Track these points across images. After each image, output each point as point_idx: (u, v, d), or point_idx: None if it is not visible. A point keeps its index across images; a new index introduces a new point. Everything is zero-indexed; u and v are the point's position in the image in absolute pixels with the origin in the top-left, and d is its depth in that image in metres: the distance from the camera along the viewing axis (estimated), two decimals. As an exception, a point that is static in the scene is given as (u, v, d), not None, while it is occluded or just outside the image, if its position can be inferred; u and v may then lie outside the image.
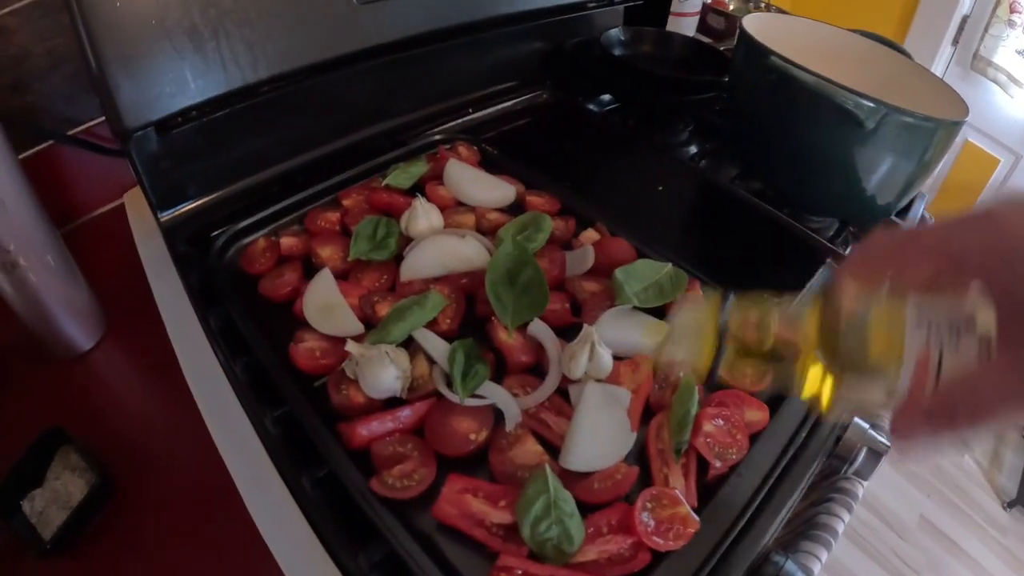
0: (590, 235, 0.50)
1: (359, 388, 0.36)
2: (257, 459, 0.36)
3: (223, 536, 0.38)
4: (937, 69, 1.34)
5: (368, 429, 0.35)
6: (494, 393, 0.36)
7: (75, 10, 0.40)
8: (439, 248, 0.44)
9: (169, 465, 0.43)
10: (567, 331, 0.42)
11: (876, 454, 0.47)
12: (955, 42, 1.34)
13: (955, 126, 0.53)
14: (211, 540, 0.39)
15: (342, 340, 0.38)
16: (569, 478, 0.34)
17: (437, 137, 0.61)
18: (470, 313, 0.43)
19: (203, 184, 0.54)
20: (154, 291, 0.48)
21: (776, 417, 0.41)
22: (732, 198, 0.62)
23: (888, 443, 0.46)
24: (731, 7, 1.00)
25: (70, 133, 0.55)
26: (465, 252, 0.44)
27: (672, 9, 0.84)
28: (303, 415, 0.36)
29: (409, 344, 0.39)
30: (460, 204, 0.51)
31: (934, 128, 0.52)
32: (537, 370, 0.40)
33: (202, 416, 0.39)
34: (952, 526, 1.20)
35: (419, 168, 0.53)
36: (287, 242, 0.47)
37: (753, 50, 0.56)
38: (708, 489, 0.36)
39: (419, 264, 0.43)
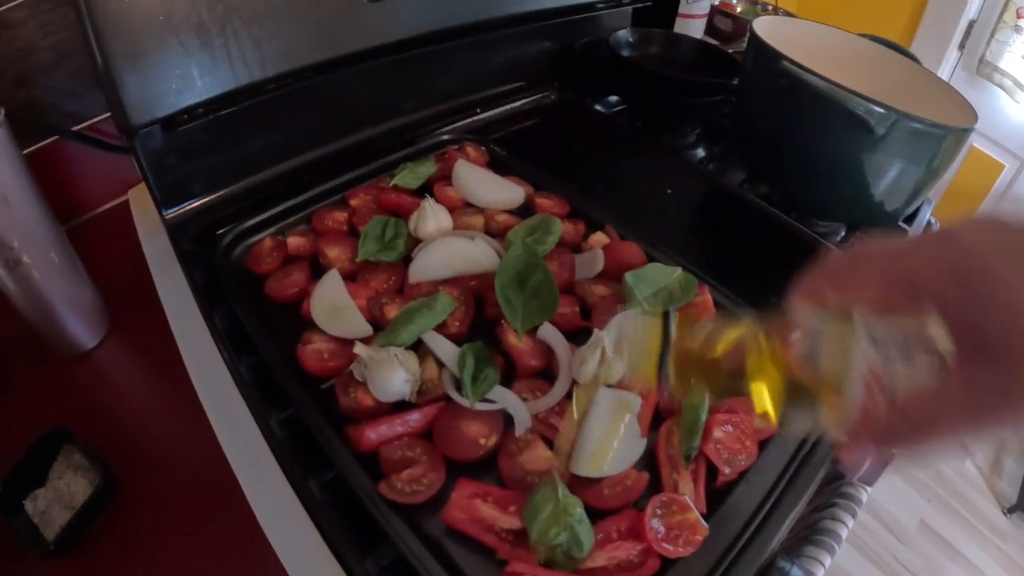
0: (599, 238, 0.49)
1: (367, 391, 0.36)
2: (263, 461, 0.36)
3: (228, 537, 0.38)
4: (943, 73, 1.34)
5: (377, 433, 0.34)
6: (504, 397, 0.36)
7: (82, 5, 0.40)
8: (448, 250, 0.43)
9: (173, 465, 0.43)
10: (576, 335, 0.41)
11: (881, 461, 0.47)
12: (961, 47, 1.33)
13: (964, 133, 0.53)
14: (215, 541, 0.39)
15: (350, 342, 0.38)
16: (578, 484, 0.34)
17: (445, 137, 0.61)
18: (479, 316, 0.43)
19: (208, 181, 0.53)
20: (158, 289, 0.47)
21: (785, 424, 0.40)
22: (740, 202, 0.62)
23: (893, 450, 0.46)
24: (738, 9, 0.99)
25: (75, 129, 0.55)
26: (474, 254, 0.43)
27: (680, 11, 0.84)
28: (310, 417, 0.36)
29: (418, 347, 0.39)
30: (469, 205, 0.51)
31: (943, 135, 0.52)
32: (546, 374, 0.40)
33: (206, 416, 0.38)
34: (952, 531, 1.20)
35: (427, 168, 0.53)
36: (294, 242, 0.47)
37: (764, 54, 0.56)
38: (717, 495, 0.36)
39: (428, 266, 0.43)
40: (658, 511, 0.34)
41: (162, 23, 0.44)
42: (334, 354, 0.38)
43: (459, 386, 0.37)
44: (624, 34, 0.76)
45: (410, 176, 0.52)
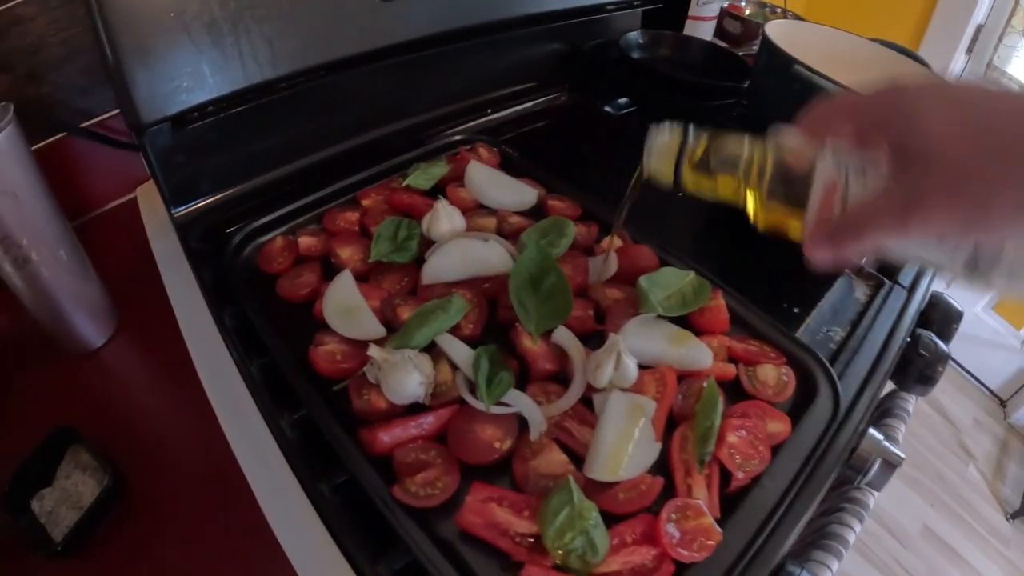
0: (613, 242, 0.49)
1: (381, 393, 0.36)
2: (274, 462, 0.35)
3: (237, 539, 0.38)
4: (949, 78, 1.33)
5: (390, 435, 0.34)
6: (519, 401, 0.36)
7: (92, 0, 0.39)
8: (462, 251, 0.43)
9: (182, 465, 0.42)
10: (590, 338, 0.41)
11: (889, 466, 0.47)
12: (969, 51, 1.33)
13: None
14: (225, 542, 0.38)
15: (362, 343, 0.38)
16: (593, 488, 0.34)
17: (457, 138, 0.61)
18: (491, 318, 0.43)
19: (218, 180, 0.53)
20: (167, 288, 0.47)
21: (797, 429, 0.40)
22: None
23: (902, 455, 0.46)
24: (747, 12, 0.99)
25: (83, 125, 0.54)
26: (488, 256, 0.43)
27: (690, 13, 0.83)
28: (322, 419, 0.36)
29: (431, 349, 0.38)
30: (481, 207, 0.51)
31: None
32: (560, 378, 0.40)
33: (216, 416, 0.38)
34: (954, 536, 1.20)
35: (439, 169, 0.53)
36: (305, 242, 0.47)
37: (777, 58, 0.56)
38: (730, 500, 0.36)
39: (441, 267, 0.43)
40: (673, 516, 0.34)
41: (173, 20, 0.44)
42: (347, 356, 0.38)
43: (473, 389, 0.36)
44: (634, 36, 0.76)
45: (422, 177, 0.51)
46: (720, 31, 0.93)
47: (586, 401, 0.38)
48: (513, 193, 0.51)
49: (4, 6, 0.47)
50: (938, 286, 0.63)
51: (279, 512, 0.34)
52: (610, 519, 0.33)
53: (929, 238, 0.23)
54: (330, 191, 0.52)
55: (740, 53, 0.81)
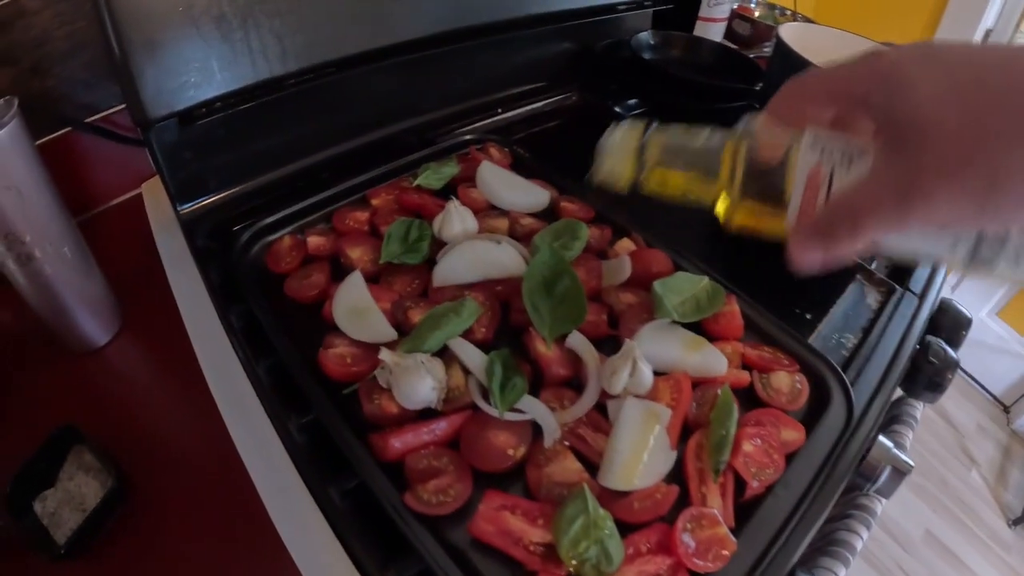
0: (626, 245, 0.48)
1: (392, 398, 0.35)
2: (281, 466, 0.35)
3: (243, 542, 0.37)
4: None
5: (402, 441, 0.33)
6: (533, 408, 0.35)
7: (99, -7, 0.38)
8: (474, 253, 0.42)
9: (187, 466, 0.42)
10: (603, 343, 0.41)
11: (899, 473, 0.47)
12: (976, 56, 1.33)
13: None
14: (230, 545, 0.38)
15: (373, 346, 0.37)
16: (608, 496, 0.33)
17: (467, 137, 0.60)
18: (504, 321, 0.42)
19: (225, 177, 0.52)
20: (172, 286, 0.46)
21: (811, 437, 0.40)
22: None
23: (912, 463, 0.46)
24: (756, 14, 0.98)
25: (88, 120, 0.54)
26: (501, 258, 0.42)
27: (700, 14, 0.83)
28: (331, 423, 0.35)
29: (443, 353, 0.38)
30: (493, 208, 0.50)
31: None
32: (573, 383, 0.39)
33: (222, 417, 0.38)
34: (957, 541, 1.20)
35: (450, 169, 0.52)
36: (314, 241, 0.46)
37: (791, 62, 0.55)
38: (744, 509, 0.36)
39: (453, 269, 0.42)
40: (688, 525, 0.33)
41: (182, 13, 0.43)
42: (357, 359, 0.37)
43: (486, 394, 0.36)
44: (645, 36, 0.75)
45: (433, 176, 0.51)
46: (730, 32, 0.93)
47: (600, 407, 0.37)
48: (525, 194, 0.51)
49: (9, -2, 0.46)
50: (947, 292, 0.62)
51: (286, 516, 0.33)
52: (624, 528, 0.32)
53: (935, 227, 0.20)
54: (339, 190, 0.51)
55: (750, 55, 0.80)
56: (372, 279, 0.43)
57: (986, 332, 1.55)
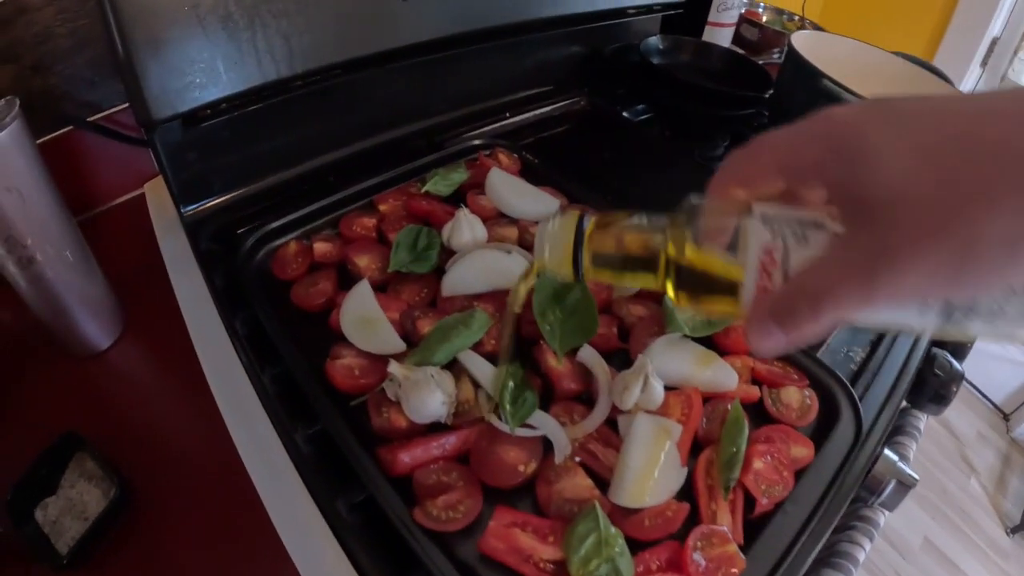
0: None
1: (401, 411, 0.35)
2: (287, 477, 0.34)
3: (247, 555, 0.37)
4: (965, 90, 1.33)
5: (411, 456, 0.33)
6: (544, 423, 0.35)
7: (103, -10, 0.38)
8: (484, 263, 0.42)
9: (191, 473, 0.41)
10: (612, 356, 0.40)
11: (904, 486, 0.47)
12: (984, 64, 1.32)
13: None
14: (235, 556, 0.37)
15: (381, 357, 0.37)
16: (618, 513, 0.33)
17: (476, 142, 0.59)
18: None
19: (230, 179, 0.52)
20: (175, 290, 0.46)
21: (820, 454, 0.40)
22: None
23: (916, 476, 0.45)
24: (764, 19, 0.98)
25: (91, 119, 0.53)
26: (511, 268, 0.42)
27: (709, 19, 0.82)
28: (339, 435, 0.35)
29: (452, 365, 0.37)
30: (502, 215, 0.50)
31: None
32: (583, 397, 0.39)
33: (226, 426, 0.37)
34: (955, 549, 1.21)
35: (459, 175, 0.51)
36: (320, 248, 0.45)
37: (803, 70, 0.55)
38: (752, 526, 0.35)
39: (462, 279, 0.41)
40: (699, 544, 0.33)
41: (188, 12, 0.42)
42: (365, 371, 0.37)
43: (496, 408, 0.35)
44: (655, 41, 0.75)
45: (441, 183, 0.50)
46: (738, 37, 0.92)
47: (610, 422, 0.37)
48: (535, 202, 0.50)
49: (11, -6, 0.45)
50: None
51: (292, 529, 0.33)
52: (635, 545, 0.32)
53: (904, 303, 0.18)
54: (346, 195, 0.51)
55: (759, 61, 0.79)
56: (380, 288, 0.42)
57: (986, 340, 1.55)
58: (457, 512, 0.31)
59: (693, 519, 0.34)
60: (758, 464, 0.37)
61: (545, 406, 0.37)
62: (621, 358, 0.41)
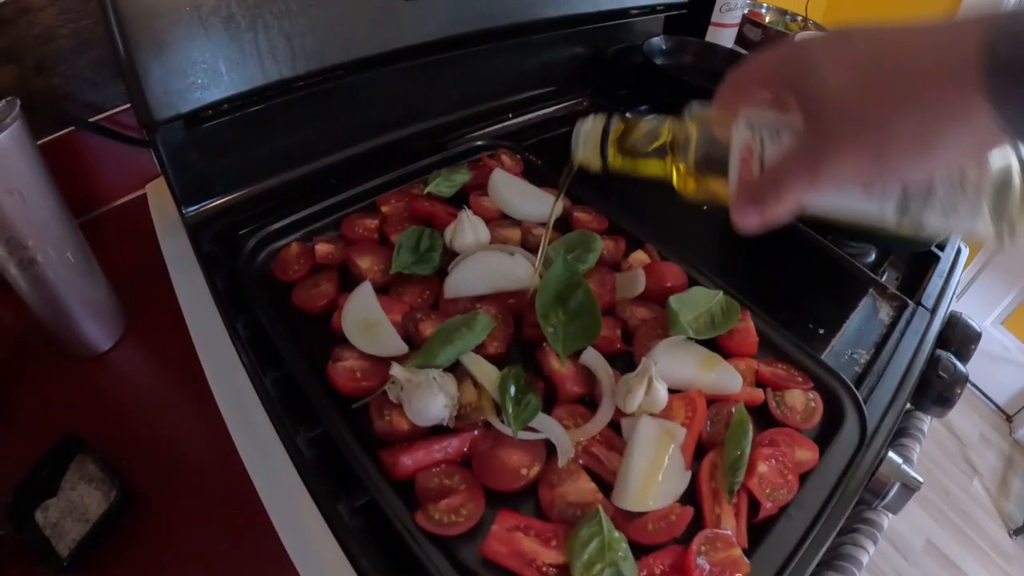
0: (640, 257, 0.48)
1: (403, 414, 0.34)
2: (289, 480, 0.34)
3: (249, 558, 0.37)
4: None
5: (413, 459, 0.33)
6: (548, 427, 0.34)
7: (105, -10, 0.37)
8: (486, 265, 0.41)
9: (192, 476, 0.41)
10: (615, 359, 0.40)
11: (908, 489, 0.47)
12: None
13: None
14: (236, 561, 0.37)
15: (383, 360, 0.36)
16: (622, 517, 0.33)
17: (479, 143, 0.59)
18: (516, 335, 0.41)
19: (232, 180, 0.51)
20: (177, 292, 0.45)
21: (825, 457, 0.39)
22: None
23: (921, 479, 0.45)
24: (767, 19, 0.97)
25: (93, 120, 0.53)
26: (514, 270, 0.42)
27: (712, 20, 0.82)
28: (340, 438, 0.35)
29: (455, 368, 0.37)
30: (505, 217, 0.49)
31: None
32: (586, 400, 0.39)
33: (228, 428, 0.37)
34: (957, 551, 1.20)
35: (462, 176, 0.51)
36: (322, 249, 0.45)
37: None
38: (756, 530, 0.35)
39: (465, 281, 0.41)
40: (703, 548, 0.33)
41: (189, 13, 0.42)
42: (367, 373, 0.37)
43: (499, 411, 0.35)
44: (658, 41, 0.74)
45: (444, 184, 0.50)
46: (741, 38, 0.92)
47: (613, 425, 0.37)
48: (538, 204, 0.50)
49: (13, -6, 0.45)
50: (956, 305, 0.62)
51: (293, 532, 0.33)
52: (638, 550, 0.32)
53: (846, 187, 0.23)
54: (348, 195, 0.51)
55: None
56: (382, 289, 0.42)
57: (990, 341, 1.54)
58: (459, 516, 0.31)
59: (697, 523, 0.34)
60: (762, 468, 0.36)
61: (548, 409, 0.37)
62: (624, 360, 0.41)
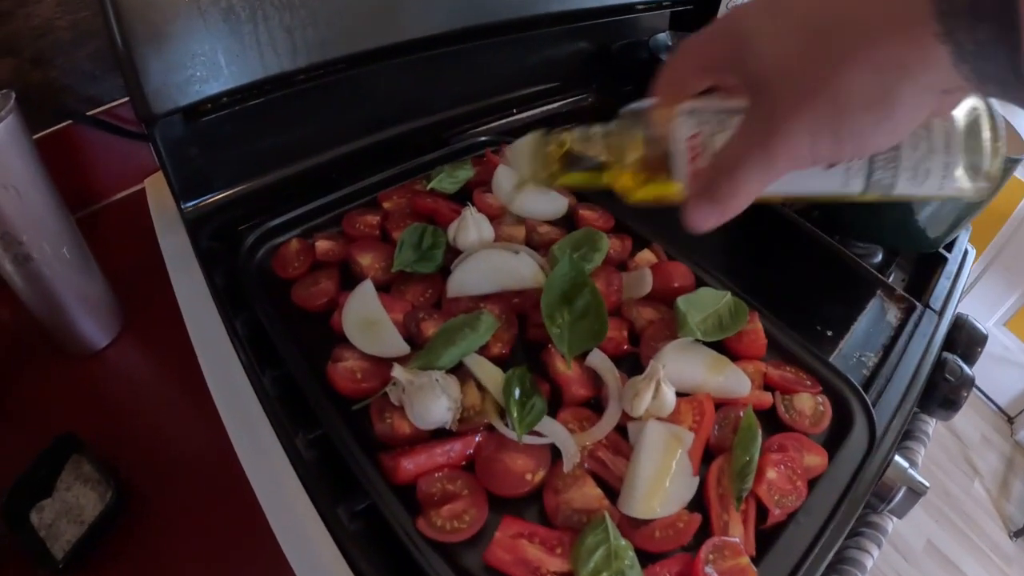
0: (647, 256, 0.47)
1: (404, 416, 0.34)
2: (288, 483, 0.33)
3: (247, 561, 0.36)
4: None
5: (415, 463, 0.32)
6: (553, 431, 0.34)
7: (102, -18, 0.37)
8: (490, 263, 0.41)
9: (189, 476, 0.40)
10: (622, 360, 0.39)
11: (914, 494, 0.46)
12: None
13: (1014, 163, 0.51)
14: (233, 564, 0.36)
15: (384, 360, 0.36)
16: (628, 524, 0.32)
17: (483, 139, 0.58)
18: (520, 335, 0.40)
19: (231, 175, 0.51)
20: (175, 288, 0.45)
21: (834, 462, 0.39)
22: (784, 221, 0.60)
23: (927, 484, 0.45)
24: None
25: (91, 113, 0.52)
26: (519, 269, 0.41)
27: (719, 15, 0.81)
28: (340, 441, 0.34)
29: (458, 369, 0.36)
30: (509, 214, 0.48)
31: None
32: (592, 403, 0.38)
33: (226, 429, 0.36)
34: (958, 552, 1.20)
35: (465, 172, 0.50)
36: (323, 246, 0.44)
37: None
38: (764, 536, 0.35)
39: (468, 280, 0.40)
40: (711, 556, 0.32)
41: (188, 5, 0.41)
42: (367, 374, 0.36)
43: (503, 414, 0.34)
44: (664, 37, 0.73)
45: (447, 180, 0.49)
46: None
47: (620, 429, 0.36)
48: (544, 201, 0.49)
49: (9, -15, 0.44)
50: (959, 306, 0.61)
51: (292, 535, 0.32)
52: (645, 557, 0.31)
53: (806, 165, 0.21)
54: (349, 191, 0.50)
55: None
56: (383, 287, 0.41)
57: (993, 343, 1.53)
58: (462, 522, 0.31)
59: (704, 530, 0.33)
60: (771, 474, 0.36)
61: (553, 411, 0.36)
62: (631, 362, 0.40)
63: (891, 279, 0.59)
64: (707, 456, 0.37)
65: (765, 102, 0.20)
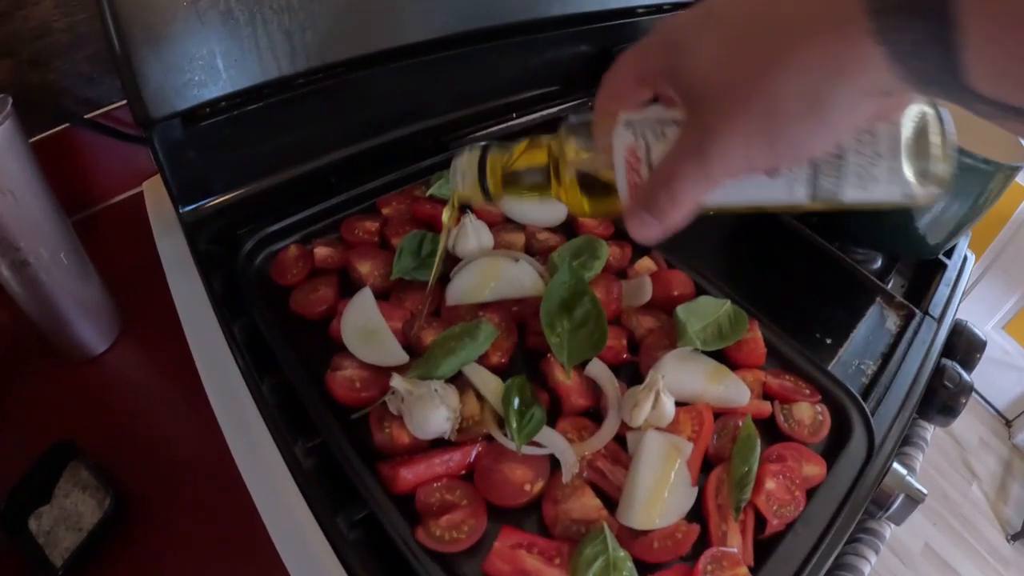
0: (646, 264, 0.47)
1: (403, 426, 0.34)
2: (287, 491, 0.33)
3: (245, 569, 0.36)
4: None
5: (413, 473, 0.32)
6: (552, 442, 0.34)
7: (99, -16, 0.36)
8: (490, 271, 0.40)
9: (188, 482, 0.40)
10: (621, 369, 0.39)
11: (912, 501, 0.46)
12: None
13: (1014, 170, 0.51)
14: (232, 572, 0.36)
15: (383, 369, 0.36)
16: (627, 535, 0.32)
17: (483, 143, 0.58)
18: (520, 343, 0.40)
19: (230, 179, 0.50)
20: (173, 293, 0.44)
21: (832, 472, 0.39)
22: (785, 230, 0.60)
23: (925, 491, 0.45)
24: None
25: (89, 116, 0.51)
26: (519, 277, 0.41)
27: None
28: (339, 450, 0.34)
29: (457, 378, 0.36)
30: (508, 221, 0.48)
31: (992, 171, 0.50)
32: (591, 412, 0.38)
33: (224, 436, 0.36)
34: (955, 556, 1.20)
35: (465, 178, 0.50)
36: (321, 252, 0.44)
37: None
38: (762, 546, 0.35)
39: (467, 288, 0.40)
40: (709, 567, 0.32)
41: (186, 8, 0.41)
42: (366, 383, 0.36)
43: (502, 424, 0.34)
44: (665, 40, 0.73)
45: (447, 186, 0.48)
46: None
47: (619, 439, 0.36)
48: (544, 208, 0.49)
49: (7, -13, 0.44)
50: (961, 311, 0.61)
51: (290, 544, 0.32)
52: (644, 568, 0.31)
53: (745, 174, 0.20)
54: (348, 197, 0.49)
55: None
56: (382, 295, 0.41)
57: (991, 346, 1.52)
58: (461, 532, 0.31)
59: (703, 540, 0.33)
60: (770, 484, 0.36)
61: (552, 421, 0.36)
62: (630, 371, 0.40)
63: (890, 286, 0.59)
64: (706, 466, 0.36)
65: (699, 111, 0.20)
